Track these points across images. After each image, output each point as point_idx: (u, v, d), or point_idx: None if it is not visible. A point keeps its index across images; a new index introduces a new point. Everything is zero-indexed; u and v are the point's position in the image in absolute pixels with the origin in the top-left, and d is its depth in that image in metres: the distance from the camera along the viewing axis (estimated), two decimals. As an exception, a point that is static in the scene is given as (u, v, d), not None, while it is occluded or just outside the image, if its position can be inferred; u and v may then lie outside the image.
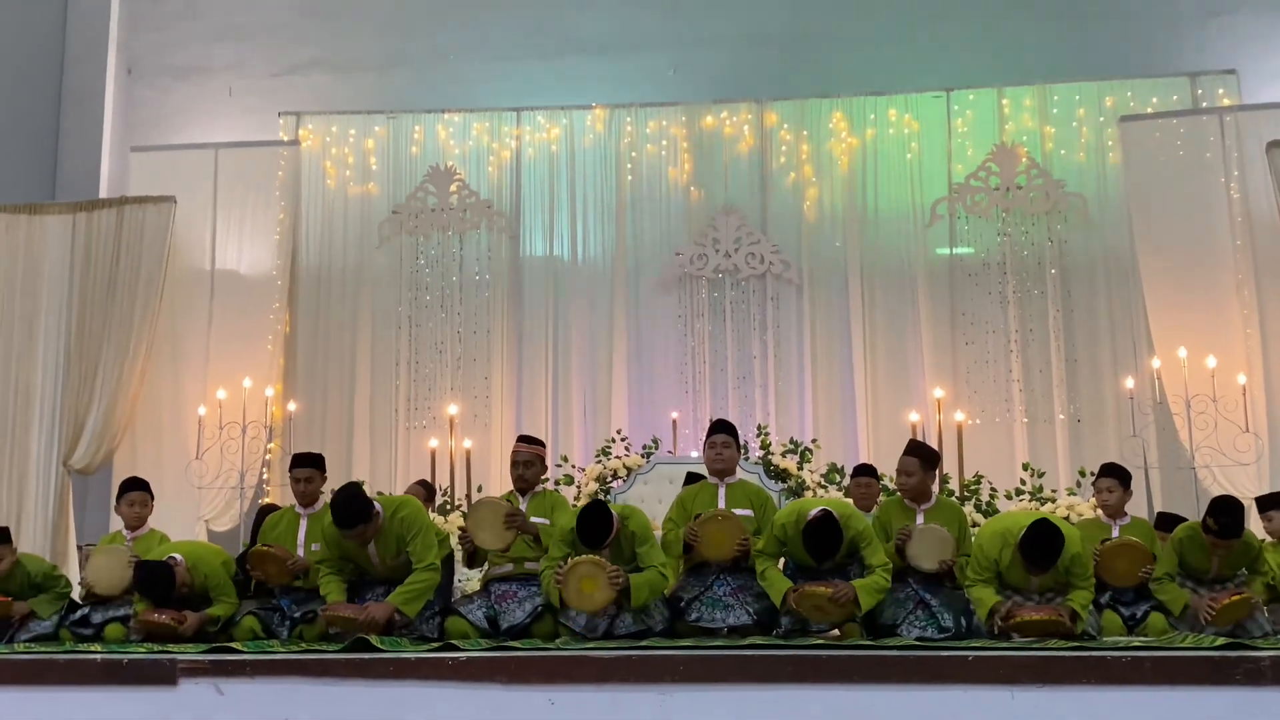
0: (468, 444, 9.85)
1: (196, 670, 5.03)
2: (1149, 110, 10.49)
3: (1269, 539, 6.78)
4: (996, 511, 8.82)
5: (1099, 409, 10.28)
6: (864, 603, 5.76)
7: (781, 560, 6.19)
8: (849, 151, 10.97)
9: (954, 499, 8.55)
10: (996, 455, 9.92)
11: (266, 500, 9.57)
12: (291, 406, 10.43)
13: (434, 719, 4.89)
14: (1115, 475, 6.84)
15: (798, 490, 9.09)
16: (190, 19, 11.96)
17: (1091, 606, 5.90)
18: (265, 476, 10.20)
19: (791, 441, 9.64)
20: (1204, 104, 10.40)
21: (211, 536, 9.58)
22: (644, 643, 5.63)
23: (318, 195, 11.24)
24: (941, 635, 5.70)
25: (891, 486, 8.68)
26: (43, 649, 5.87)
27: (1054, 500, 9.00)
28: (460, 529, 6.48)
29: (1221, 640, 5.42)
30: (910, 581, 6.01)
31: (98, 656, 5.36)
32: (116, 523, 9.55)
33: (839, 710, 4.77)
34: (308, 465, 6.73)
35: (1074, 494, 9.12)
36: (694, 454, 9.94)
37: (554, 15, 11.58)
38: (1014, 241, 10.58)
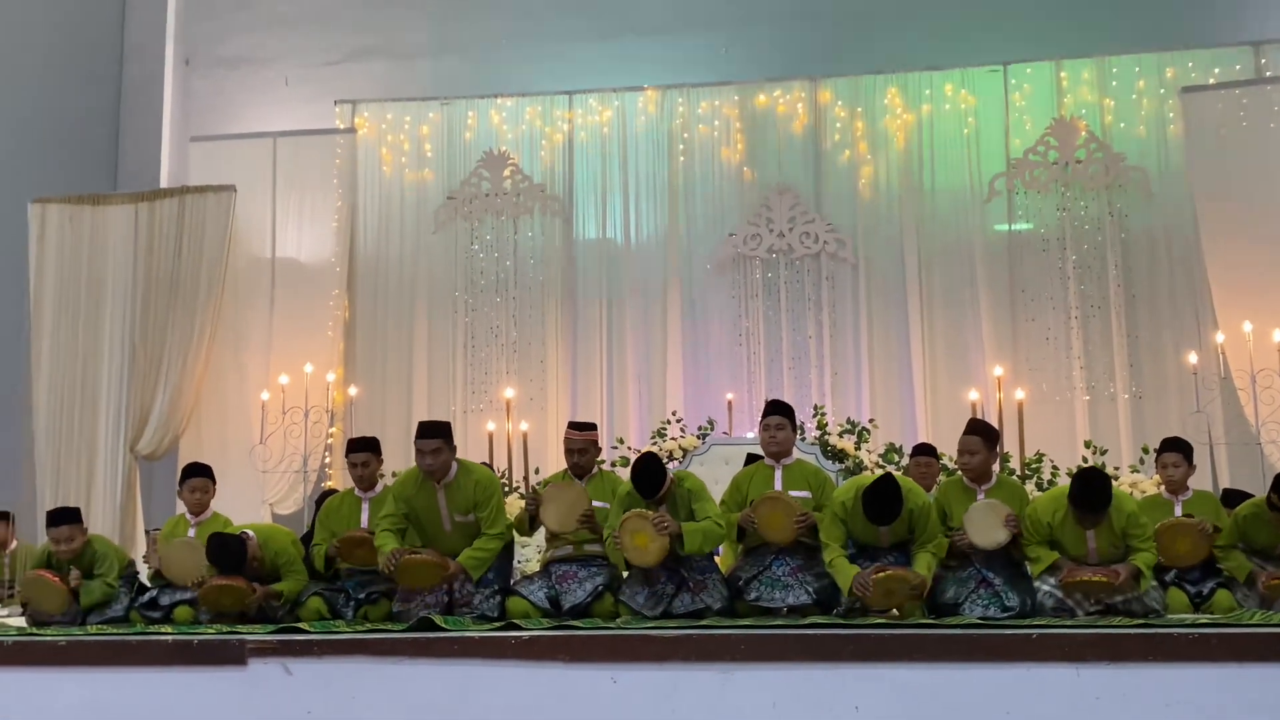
0: (524, 427, 9.89)
1: (265, 650, 5.12)
2: (1211, 81, 10.30)
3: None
4: (1059, 491, 8.72)
5: (1161, 385, 10.14)
6: (928, 579, 5.76)
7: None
8: (904, 128, 10.88)
9: (1015, 477, 8.48)
10: (1058, 433, 9.82)
11: (329, 484, 9.69)
12: (352, 391, 10.55)
13: (498, 697, 4.94)
14: (1179, 450, 6.72)
15: (855, 470, 9.04)
16: (245, 9, 12.10)
17: (1155, 582, 5.84)
18: (327, 460, 10.33)
19: (848, 422, 9.58)
20: (1267, 73, 10.19)
21: (275, 519, 9.71)
22: (705, 622, 5.64)
23: (374, 182, 11.35)
24: (1005, 614, 5.65)
25: (951, 466, 8.64)
26: (115, 630, 6.00)
27: (1116, 478, 8.89)
28: (532, 491, 6.51)
29: (1290, 617, 5.34)
30: (973, 561, 5.96)
31: (169, 638, 5.48)
32: (183, 507, 9.78)
33: (901, 689, 4.76)
34: (364, 450, 6.77)
35: (1137, 471, 9.01)
36: (750, 435, 9.92)
37: (605, -3, 11.60)
38: (1074, 216, 10.45)
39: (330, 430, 10.34)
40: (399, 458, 10.47)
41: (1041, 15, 10.96)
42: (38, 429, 10.13)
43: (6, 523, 9.60)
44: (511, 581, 6.38)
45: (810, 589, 5.88)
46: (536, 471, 9.47)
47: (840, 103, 10.99)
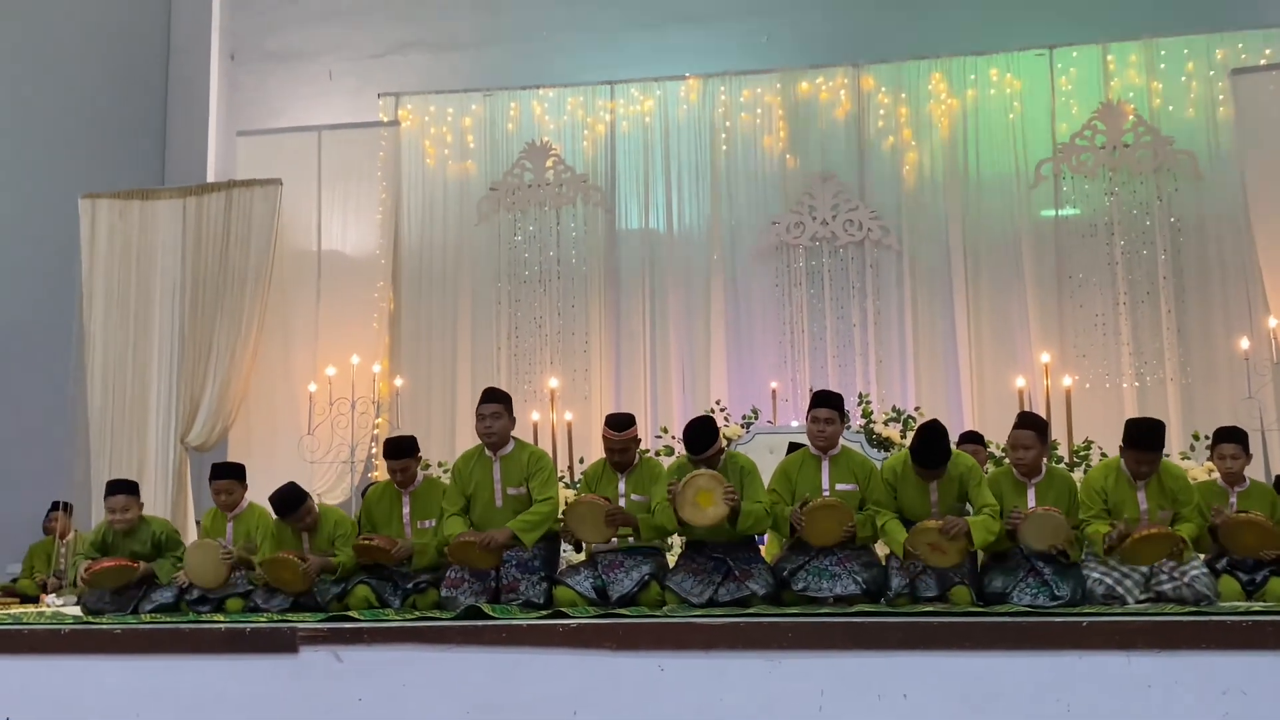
0: (568, 416, 9.95)
1: (316, 638, 5.18)
2: (1261, 62, 10.15)
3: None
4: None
5: (1212, 370, 10.01)
6: (976, 539, 5.75)
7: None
8: (949, 113, 10.79)
9: (1063, 465, 8.41)
10: (1106, 419, 9.69)
11: (376, 475, 9.77)
12: (398, 382, 10.63)
13: (546, 685, 4.96)
14: (1237, 441, 6.56)
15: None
16: (289, 3, 12.21)
17: (1206, 569, 5.79)
18: (374, 450, 10.39)
19: (894, 410, 9.55)
20: (1320, 54, 10.02)
21: (323, 510, 9.80)
22: (752, 610, 5.64)
23: (418, 174, 11.41)
24: (1054, 603, 5.61)
25: (998, 454, 8.59)
26: (168, 619, 6.09)
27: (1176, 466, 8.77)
28: (560, 522, 6.44)
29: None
30: (1022, 551, 5.92)
31: (221, 626, 5.55)
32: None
33: (950, 677, 4.74)
34: (404, 455, 6.64)
35: (1187, 458, 8.89)
36: (794, 424, 9.90)
37: (645, -14, 11.59)
38: (1121, 201, 10.33)
39: (376, 421, 10.43)
40: (443, 448, 10.58)
41: (1087, -3, 10.85)
42: (91, 422, 10.27)
43: (64, 513, 9.79)
44: (558, 572, 6.41)
45: (859, 579, 5.86)
46: (581, 461, 9.51)
47: (883, 89, 10.92)
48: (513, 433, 6.62)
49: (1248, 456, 6.60)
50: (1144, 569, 5.78)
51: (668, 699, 4.88)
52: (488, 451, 6.53)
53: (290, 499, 6.56)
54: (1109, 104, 10.41)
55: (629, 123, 11.29)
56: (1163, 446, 5.98)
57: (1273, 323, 9.33)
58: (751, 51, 11.31)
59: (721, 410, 9.91)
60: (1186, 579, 5.66)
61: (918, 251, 10.70)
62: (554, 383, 10.09)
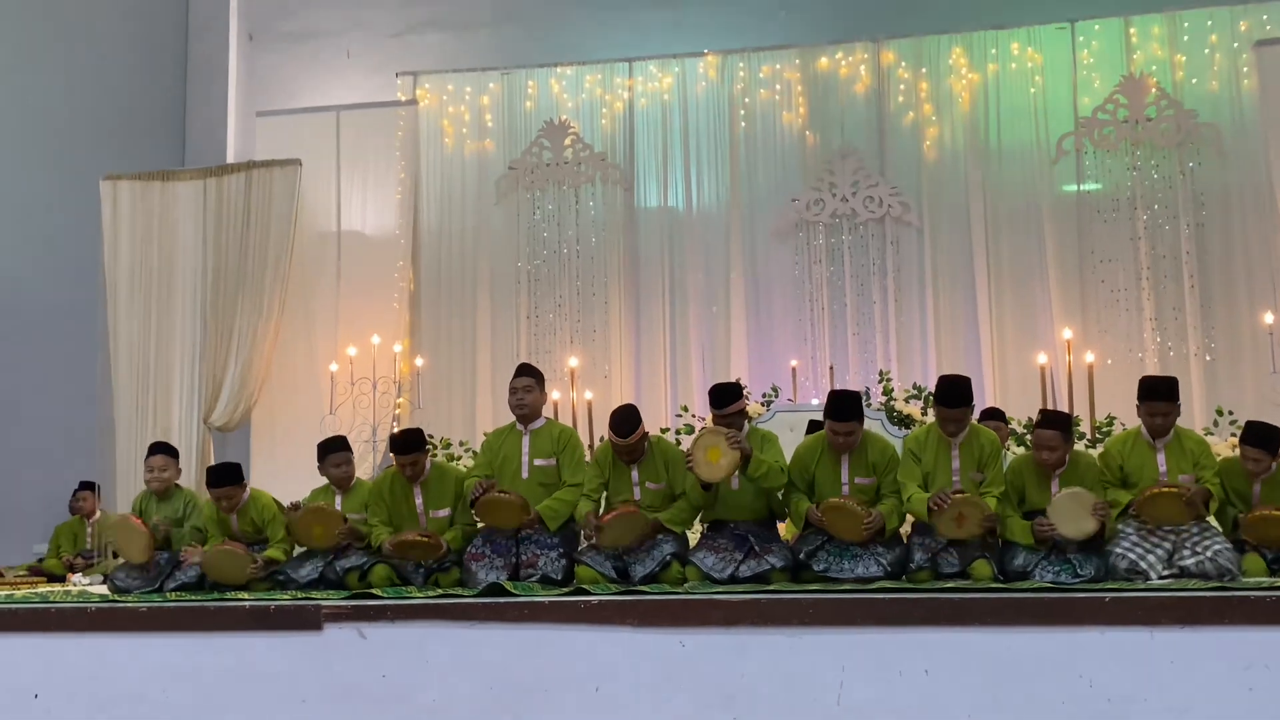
0: (588, 395, 9.95)
1: (340, 615, 5.21)
2: (1286, 34, 10.03)
3: None
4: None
5: (1236, 345, 9.95)
6: (992, 504, 5.84)
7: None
8: (970, 88, 10.72)
9: (1084, 444, 8.37)
10: (1129, 396, 9.40)
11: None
12: (419, 361, 10.66)
13: (568, 661, 4.99)
14: (1263, 446, 6.10)
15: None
16: (307, -17, 12.18)
17: (1230, 544, 5.77)
18: (396, 430, 10.44)
19: (914, 387, 9.51)
20: (1346, 24, 9.90)
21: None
22: (773, 586, 5.65)
23: (436, 154, 11.40)
24: (1076, 580, 5.58)
25: (1020, 431, 8.56)
26: (193, 597, 6.14)
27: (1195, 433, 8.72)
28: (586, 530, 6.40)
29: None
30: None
31: (246, 603, 5.60)
32: (257, 479, 9.97)
33: (971, 654, 4.74)
34: (413, 449, 6.57)
35: (1210, 434, 8.84)
36: (814, 401, 9.89)
37: (663, -38, 11.53)
38: (1144, 175, 10.25)
39: (398, 401, 10.47)
40: (464, 427, 10.62)
41: (1110, -30, 10.74)
42: (115, 403, 10.34)
43: (93, 493, 9.89)
44: (578, 550, 6.43)
45: (882, 560, 5.84)
46: (601, 439, 9.49)
47: (904, 64, 10.85)
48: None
49: (1274, 458, 6.16)
50: (1167, 545, 5.76)
51: (688, 675, 4.90)
52: (519, 425, 6.62)
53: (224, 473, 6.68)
54: (1131, 77, 10.32)
55: (647, 100, 11.25)
56: (1177, 398, 6.03)
57: (1298, 297, 9.27)
58: (770, 27, 11.25)
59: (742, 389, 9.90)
60: (1209, 554, 5.64)
61: (938, 227, 10.65)
62: (574, 361, 10.10)
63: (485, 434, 9.60)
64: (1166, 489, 5.74)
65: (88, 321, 10.60)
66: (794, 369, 10.21)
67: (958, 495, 5.76)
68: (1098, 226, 10.30)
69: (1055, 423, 6.01)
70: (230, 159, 11.56)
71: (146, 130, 11.83)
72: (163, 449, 7.18)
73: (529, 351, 10.94)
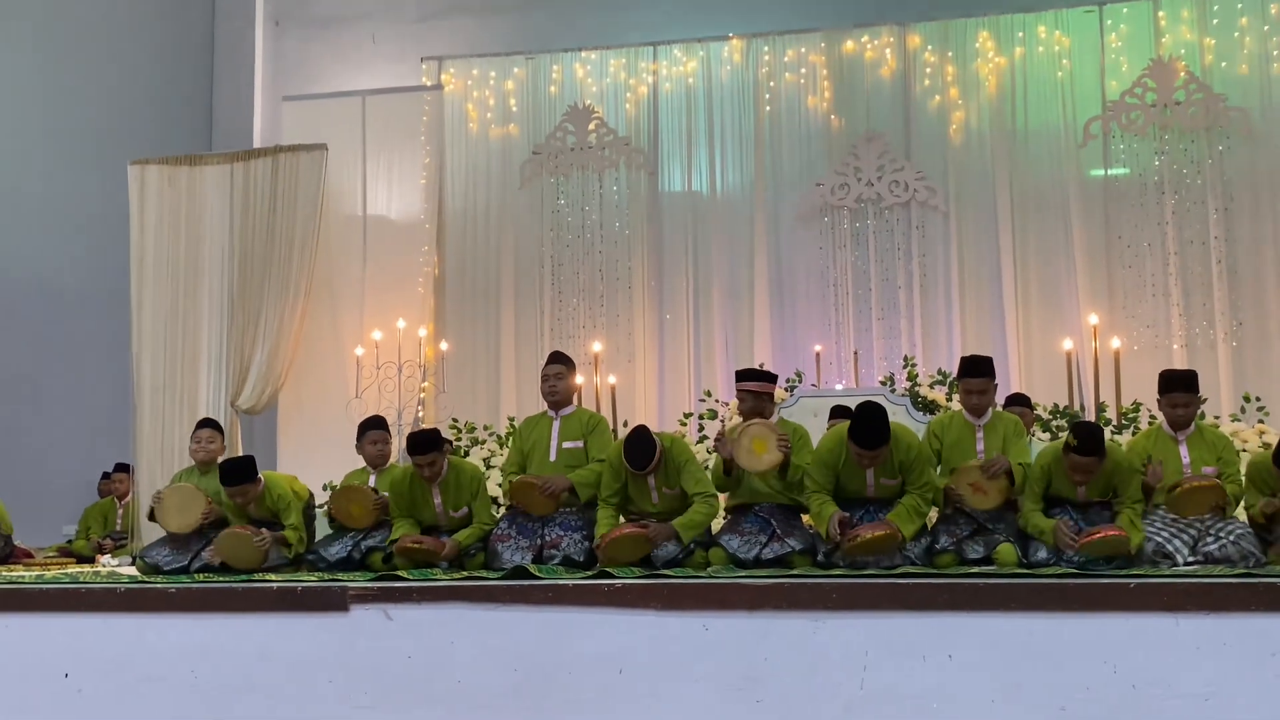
0: (612, 380, 9.97)
1: (366, 597, 5.24)
2: (1317, 16, 9.92)
3: None
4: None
5: (1264, 331, 9.89)
6: (1016, 473, 5.86)
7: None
8: (996, 72, 10.66)
9: (1110, 430, 8.34)
10: (1155, 381, 9.58)
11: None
12: (444, 346, 10.69)
13: (592, 644, 5.01)
14: None
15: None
16: (332, -31, 12.20)
17: (1251, 530, 5.74)
18: (420, 415, 10.50)
19: (939, 373, 9.49)
20: (1379, 6, 9.78)
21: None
22: (796, 571, 5.66)
23: (461, 138, 11.43)
24: (1104, 567, 5.55)
25: (1045, 416, 8.53)
26: (221, 579, 6.19)
27: (1216, 427, 8.67)
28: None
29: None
30: (1070, 511, 5.88)
31: (274, 585, 5.64)
32: (284, 461, 10.04)
33: (996, 639, 4.73)
34: (431, 449, 6.44)
35: (1238, 420, 8.79)
36: (838, 386, 9.90)
37: (688, -55, 11.48)
38: (1172, 159, 10.17)
39: (423, 385, 10.51)
40: (488, 411, 10.66)
41: (1138, -48, 10.64)
42: (142, 386, 10.42)
43: (127, 475, 9.98)
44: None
45: (909, 554, 5.80)
46: (625, 425, 9.53)
47: (930, 47, 10.80)
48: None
49: None
50: (1193, 531, 5.74)
51: (712, 659, 4.91)
52: (549, 411, 6.71)
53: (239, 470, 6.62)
54: (1160, 61, 10.23)
55: (672, 84, 11.24)
56: (1197, 390, 6.11)
57: (1327, 282, 9.18)
58: (795, 10, 11.20)
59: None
60: (1231, 538, 5.62)
61: (964, 212, 10.61)
62: (597, 346, 10.12)
63: (509, 418, 9.74)
64: (1199, 484, 5.76)
65: (117, 306, 10.67)
66: (818, 354, 10.20)
67: (964, 467, 5.82)
68: (1125, 211, 10.24)
69: (1091, 447, 5.69)
70: (256, 143, 11.63)
71: (173, 115, 11.90)
72: (210, 424, 7.44)
73: (552, 335, 10.97)
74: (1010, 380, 9.99)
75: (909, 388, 9.31)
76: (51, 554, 9.04)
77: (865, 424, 5.73)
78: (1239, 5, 10.23)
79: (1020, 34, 10.65)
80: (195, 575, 6.46)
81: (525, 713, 4.98)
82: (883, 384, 9.40)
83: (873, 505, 5.95)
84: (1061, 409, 8.78)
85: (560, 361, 6.76)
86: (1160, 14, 10.38)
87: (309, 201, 10.44)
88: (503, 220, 11.31)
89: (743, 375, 6.56)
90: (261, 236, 10.48)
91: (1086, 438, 5.67)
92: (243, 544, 6.46)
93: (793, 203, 10.91)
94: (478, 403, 10.91)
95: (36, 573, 7.16)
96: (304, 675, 5.19)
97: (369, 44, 11.96)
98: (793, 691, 4.80)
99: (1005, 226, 10.45)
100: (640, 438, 6.10)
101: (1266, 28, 10.13)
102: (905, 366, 9.74)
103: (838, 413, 7.23)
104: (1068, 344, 9.33)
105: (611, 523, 6.15)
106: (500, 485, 6.93)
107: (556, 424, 6.64)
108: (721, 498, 6.40)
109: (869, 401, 5.87)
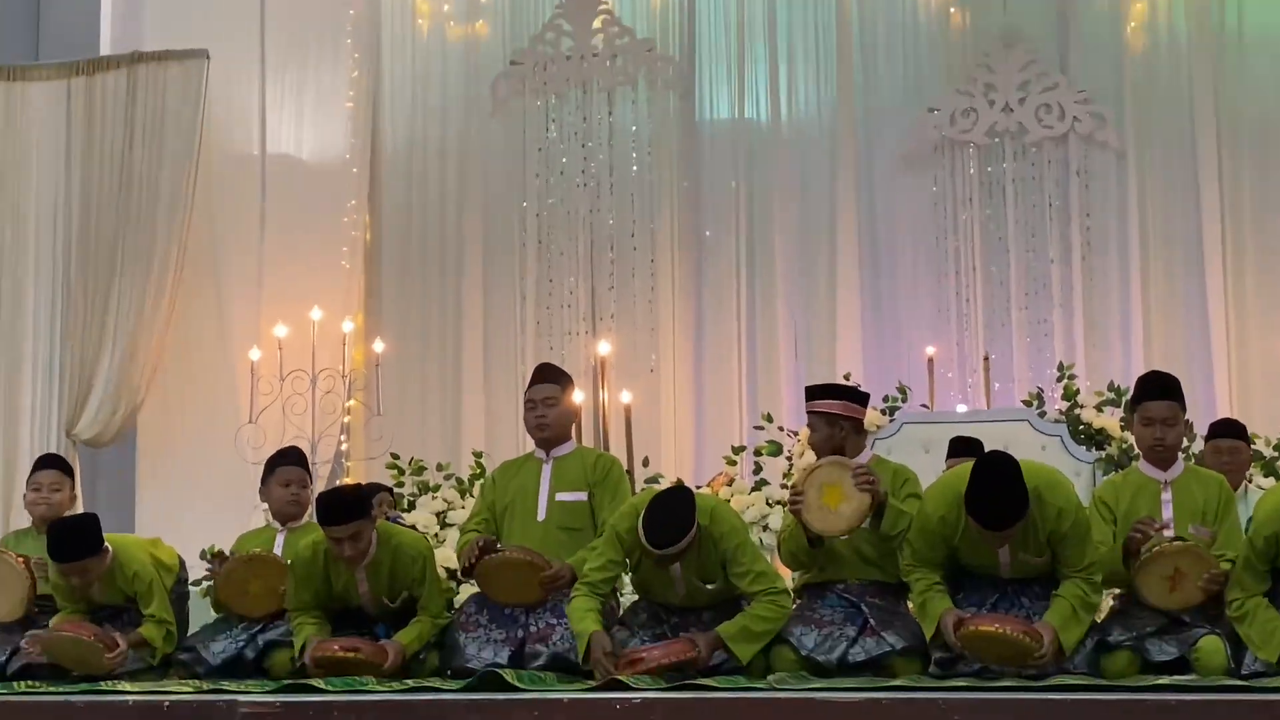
0: (626, 398, 9.91)
1: (265, 717, 5.25)
2: None
3: None
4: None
5: None
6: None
7: None
8: (1197, -55, 10.69)
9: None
10: None
11: (346, 479, 9.87)
12: (379, 347, 10.69)
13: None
14: None
15: (1120, 461, 8.93)
16: None
17: None
18: (344, 447, 10.51)
19: (1111, 388, 9.47)
20: None
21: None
22: (898, 682, 5.64)
23: (405, 44, 11.50)
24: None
25: (1268, 454, 8.51)
26: (51, 689, 6.19)
27: None
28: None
29: None
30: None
31: (129, 698, 5.64)
32: (143, 518, 10.04)
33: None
34: (352, 518, 6.23)
35: None
36: (960, 408, 9.89)
37: None
38: None
39: (348, 404, 10.53)
40: (444, 444, 10.66)
41: None
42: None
43: None
44: (613, 627, 6.42)
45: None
46: (645, 463, 9.52)
47: (1098, -90, 10.85)
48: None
49: None
50: None
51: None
52: (538, 452, 6.64)
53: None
54: None
55: (717, -35, 11.30)
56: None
57: None
58: None
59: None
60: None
61: (1148, 152, 10.64)
62: (604, 348, 10.09)
63: (475, 454, 9.72)
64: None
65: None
66: (930, 359, 10.19)
67: (1171, 543, 5.73)
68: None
69: None
70: (105, 50, 11.63)
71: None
72: (54, 462, 7.38)
73: (538, 333, 11.00)
74: (1217, 401, 9.97)
75: (1065, 410, 9.29)
76: None
77: (986, 494, 5.52)
78: None
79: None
80: (15, 684, 6.48)
81: None
82: (1027, 404, 9.38)
83: (1010, 588, 5.93)
84: None
85: (553, 380, 6.68)
86: None
87: (183, 134, 10.48)
88: (466, 162, 11.36)
89: (815, 392, 6.42)
90: (111, 184, 10.50)
91: None
92: (80, 650, 6.45)
93: (893, 137, 10.98)
94: (428, 431, 10.93)
95: None
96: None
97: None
98: None
99: (1209, 173, 10.45)
100: (669, 503, 5.99)
101: None
102: (1060, 379, 9.71)
103: (959, 448, 7.21)
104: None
105: (593, 623, 5.95)
106: (457, 549, 6.84)
107: (548, 468, 6.59)
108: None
109: (992, 455, 5.74)
